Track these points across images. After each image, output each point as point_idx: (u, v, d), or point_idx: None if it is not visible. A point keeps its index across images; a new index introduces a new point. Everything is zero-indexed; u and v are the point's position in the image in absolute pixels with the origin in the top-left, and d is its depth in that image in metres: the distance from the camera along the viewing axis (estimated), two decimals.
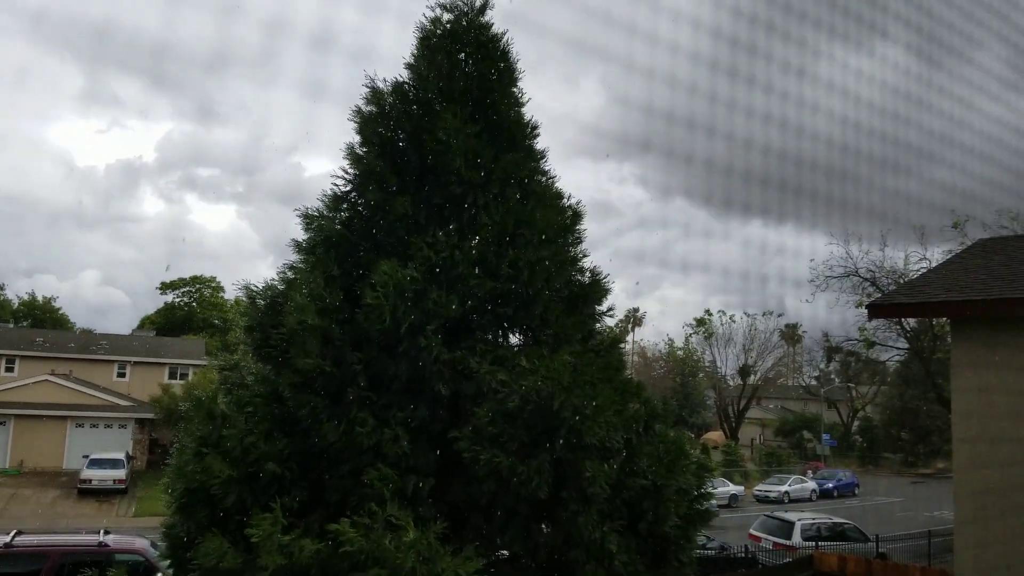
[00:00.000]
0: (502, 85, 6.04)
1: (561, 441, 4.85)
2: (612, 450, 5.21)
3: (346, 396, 5.28)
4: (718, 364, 57.00)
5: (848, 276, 25.12)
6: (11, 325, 46.78)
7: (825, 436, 49.05)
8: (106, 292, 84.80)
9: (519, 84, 6.16)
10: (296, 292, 5.50)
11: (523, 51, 6.14)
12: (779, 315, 54.51)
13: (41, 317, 56.73)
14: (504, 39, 6.07)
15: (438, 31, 6.01)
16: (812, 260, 26.10)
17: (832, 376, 58.85)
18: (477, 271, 5.41)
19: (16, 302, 58.00)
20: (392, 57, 6.17)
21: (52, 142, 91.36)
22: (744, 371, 55.26)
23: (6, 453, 30.78)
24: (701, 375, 58.50)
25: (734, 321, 55.45)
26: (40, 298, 59.11)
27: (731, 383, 57.97)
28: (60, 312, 59.58)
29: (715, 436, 52.82)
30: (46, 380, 32.46)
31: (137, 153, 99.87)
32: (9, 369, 34.76)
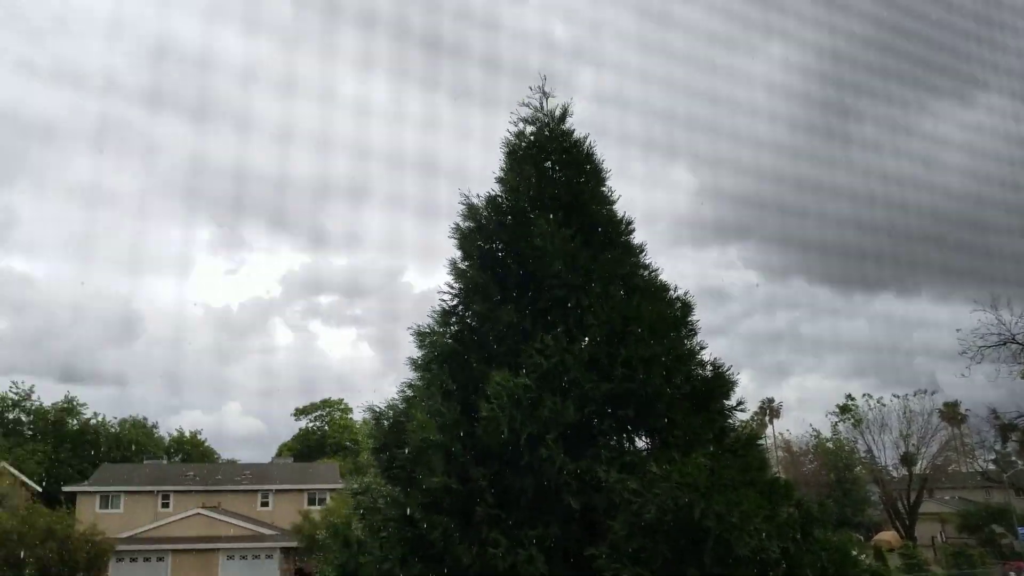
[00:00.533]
0: (590, 187, 6.17)
1: (709, 554, 4.36)
2: (768, 562, 4.61)
3: (475, 515, 5.11)
4: (875, 454, 51.08)
5: (1005, 344, 22.42)
6: (164, 461, 50.66)
7: (1021, 529, 41.59)
8: (246, 422, 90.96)
9: (607, 184, 6.27)
10: (416, 409, 5.55)
11: (607, 151, 6.27)
12: (933, 393, 48.92)
13: (190, 451, 61.24)
14: (587, 142, 6.26)
15: (523, 144, 6.31)
16: (958, 331, 23.53)
17: (1013, 458, 50.96)
18: (590, 373, 5.24)
19: (167, 439, 63.09)
20: (483, 174, 6.48)
21: (191, 287, 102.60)
22: (907, 459, 48.97)
23: None
24: (859, 467, 52.55)
25: (883, 404, 50.16)
26: (188, 433, 63.98)
27: (895, 474, 51.51)
28: (206, 444, 64.06)
29: (888, 536, 46.26)
30: (198, 513, 34.45)
31: (265, 288, 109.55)
32: (164, 504, 37.26)
